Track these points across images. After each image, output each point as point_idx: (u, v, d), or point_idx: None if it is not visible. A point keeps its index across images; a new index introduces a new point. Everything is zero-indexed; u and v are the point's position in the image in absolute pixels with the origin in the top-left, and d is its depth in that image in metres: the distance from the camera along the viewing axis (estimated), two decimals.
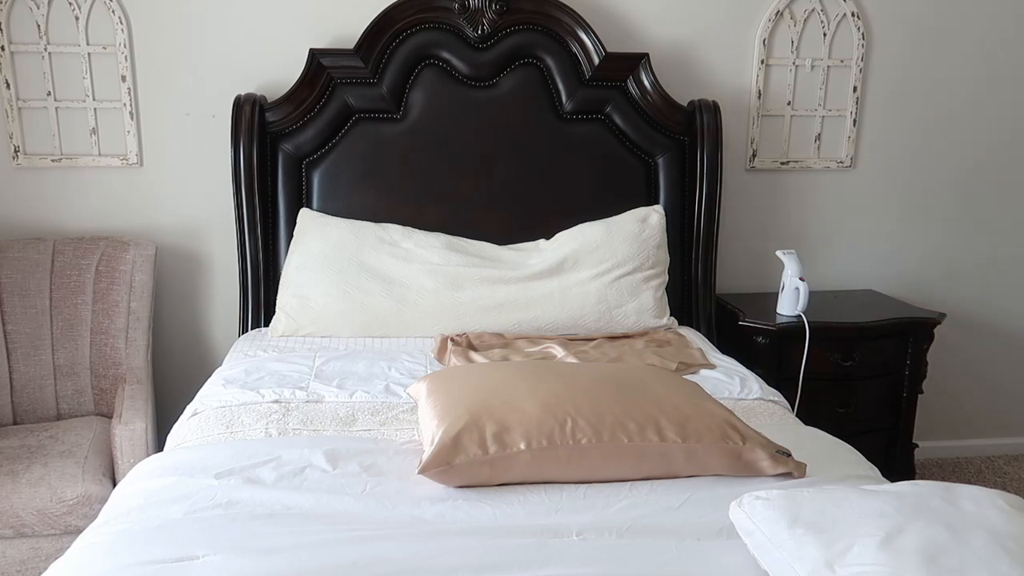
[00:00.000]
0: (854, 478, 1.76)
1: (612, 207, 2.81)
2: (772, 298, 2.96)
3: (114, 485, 2.24)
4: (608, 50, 2.78)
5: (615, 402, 1.77)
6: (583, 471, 1.70)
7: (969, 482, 2.51)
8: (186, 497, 1.61)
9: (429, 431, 1.72)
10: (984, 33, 3.15)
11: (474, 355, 2.35)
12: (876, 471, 1.88)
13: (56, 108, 2.77)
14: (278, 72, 2.77)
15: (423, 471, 1.65)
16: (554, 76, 2.81)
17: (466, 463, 1.64)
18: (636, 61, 2.81)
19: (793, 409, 2.39)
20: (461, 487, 1.67)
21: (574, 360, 2.32)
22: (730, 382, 2.28)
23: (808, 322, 2.76)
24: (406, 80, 2.76)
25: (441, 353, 2.42)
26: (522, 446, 1.66)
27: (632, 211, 2.80)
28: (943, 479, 2.61)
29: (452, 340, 2.46)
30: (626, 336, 2.62)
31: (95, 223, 2.85)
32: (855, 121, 3.14)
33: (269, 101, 2.73)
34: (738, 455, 1.73)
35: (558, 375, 1.92)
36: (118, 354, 2.70)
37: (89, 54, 2.74)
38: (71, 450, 2.40)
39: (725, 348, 2.68)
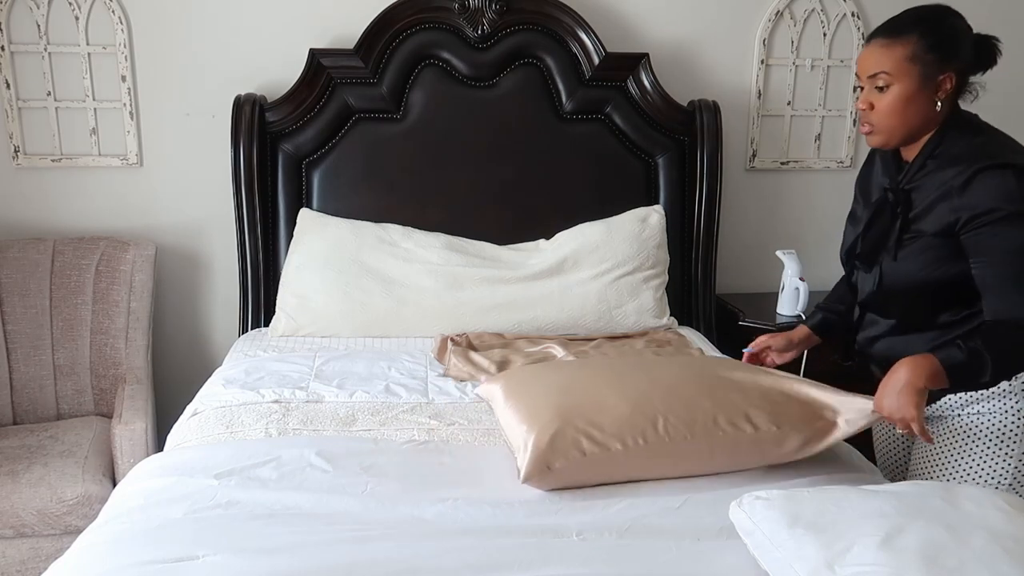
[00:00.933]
0: (854, 478, 1.76)
1: (612, 207, 2.80)
2: (772, 298, 2.96)
3: (114, 485, 2.24)
4: (608, 50, 2.78)
5: (701, 396, 1.76)
6: (680, 467, 1.71)
7: None
8: (186, 497, 1.61)
9: (519, 436, 1.70)
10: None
11: (474, 355, 2.35)
12: (876, 471, 1.89)
13: (56, 108, 2.76)
14: (278, 72, 2.77)
15: (526, 480, 1.64)
16: (554, 76, 2.81)
17: (566, 467, 1.63)
18: (636, 61, 2.81)
19: None
20: (555, 490, 1.66)
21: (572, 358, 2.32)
22: None
23: None
24: (406, 80, 2.76)
25: (441, 353, 2.42)
26: (619, 446, 1.65)
27: (632, 211, 2.80)
28: None
29: (452, 340, 2.45)
30: (626, 336, 2.61)
31: (95, 223, 2.84)
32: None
33: (269, 101, 2.73)
34: (835, 423, 1.76)
35: (639, 372, 1.90)
36: (118, 354, 2.70)
37: (89, 54, 2.74)
38: (71, 450, 2.40)
39: (725, 348, 2.68)
